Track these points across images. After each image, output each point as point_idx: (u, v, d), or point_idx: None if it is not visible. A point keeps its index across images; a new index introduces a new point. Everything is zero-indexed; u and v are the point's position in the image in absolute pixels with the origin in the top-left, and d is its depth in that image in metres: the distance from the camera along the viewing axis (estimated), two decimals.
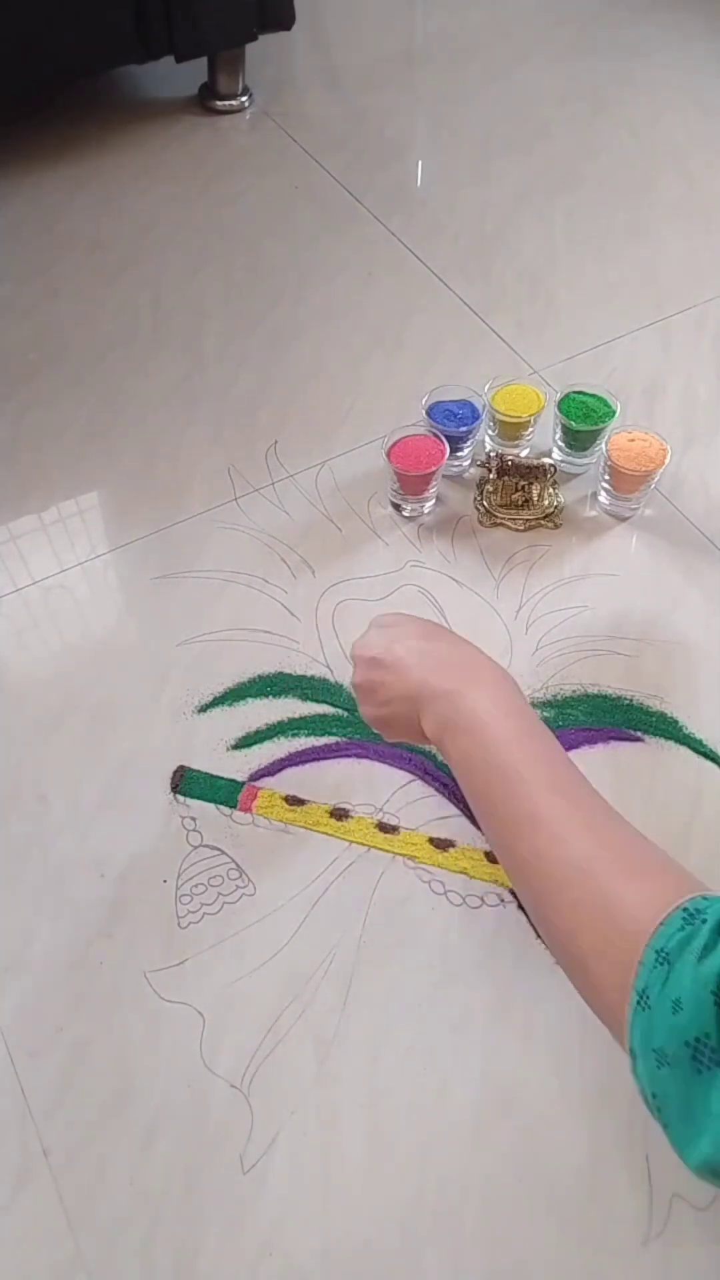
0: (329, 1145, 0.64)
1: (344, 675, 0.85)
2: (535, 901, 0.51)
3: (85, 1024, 0.69)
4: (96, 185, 1.33)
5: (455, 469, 0.99)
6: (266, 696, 0.84)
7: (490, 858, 0.75)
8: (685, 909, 0.44)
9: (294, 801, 0.78)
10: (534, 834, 0.51)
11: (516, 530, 0.95)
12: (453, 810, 0.78)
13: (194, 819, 0.78)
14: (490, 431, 1.00)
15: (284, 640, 0.88)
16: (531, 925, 0.72)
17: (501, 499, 0.96)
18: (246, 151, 1.40)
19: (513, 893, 0.74)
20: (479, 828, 0.77)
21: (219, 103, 1.46)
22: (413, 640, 0.64)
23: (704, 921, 0.43)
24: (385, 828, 0.77)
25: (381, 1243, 0.61)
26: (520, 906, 0.73)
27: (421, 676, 0.61)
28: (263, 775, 0.80)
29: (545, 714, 0.82)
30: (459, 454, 0.98)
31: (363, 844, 0.76)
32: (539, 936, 0.71)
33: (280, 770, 0.80)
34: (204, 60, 1.41)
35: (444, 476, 0.99)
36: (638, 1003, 0.43)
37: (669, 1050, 0.41)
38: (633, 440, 0.94)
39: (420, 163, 1.40)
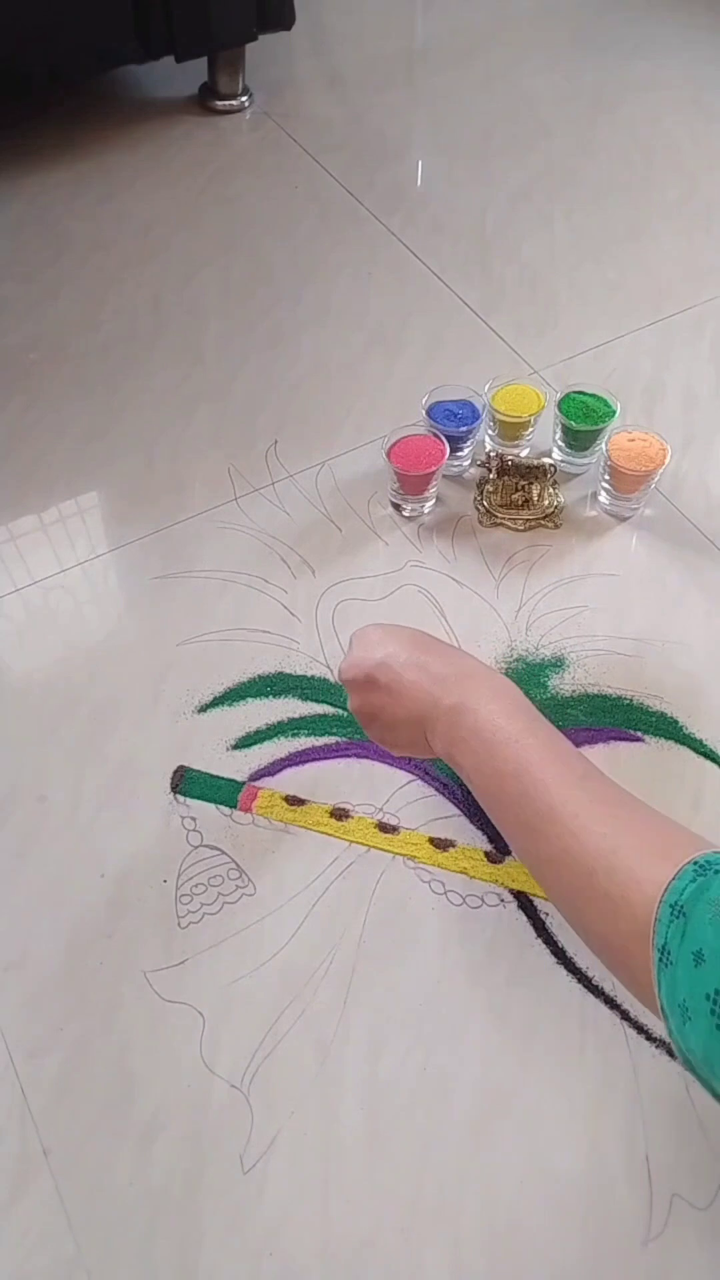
0: (329, 1145, 0.64)
1: None
2: (563, 898, 0.51)
3: (85, 1024, 0.69)
4: (97, 185, 1.33)
5: (455, 469, 0.99)
6: (266, 696, 0.84)
7: (490, 858, 0.75)
8: (696, 862, 0.43)
9: (294, 801, 0.78)
10: (553, 833, 0.50)
11: (516, 530, 0.95)
12: (453, 810, 0.78)
13: (194, 819, 0.78)
14: (490, 431, 1.00)
15: (284, 640, 0.88)
16: (534, 926, 0.72)
17: (501, 499, 0.96)
18: (246, 151, 1.40)
19: (513, 893, 0.74)
20: (480, 829, 0.77)
21: (219, 103, 1.46)
22: (404, 655, 0.62)
23: (717, 872, 0.42)
24: (385, 828, 0.77)
25: (381, 1243, 0.61)
26: (520, 906, 0.73)
27: (423, 696, 0.60)
28: (263, 775, 0.80)
29: (546, 713, 0.82)
30: (459, 454, 0.98)
31: (363, 844, 0.76)
32: (539, 937, 0.71)
33: (280, 770, 0.80)
34: (204, 60, 1.41)
35: (444, 476, 0.99)
36: (659, 960, 0.42)
37: (691, 1004, 0.40)
38: (633, 440, 0.94)
39: (420, 163, 1.40)
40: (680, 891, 0.43)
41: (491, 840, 0.76)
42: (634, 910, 0.44)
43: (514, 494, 0.96)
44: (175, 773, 0.80)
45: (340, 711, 0.83)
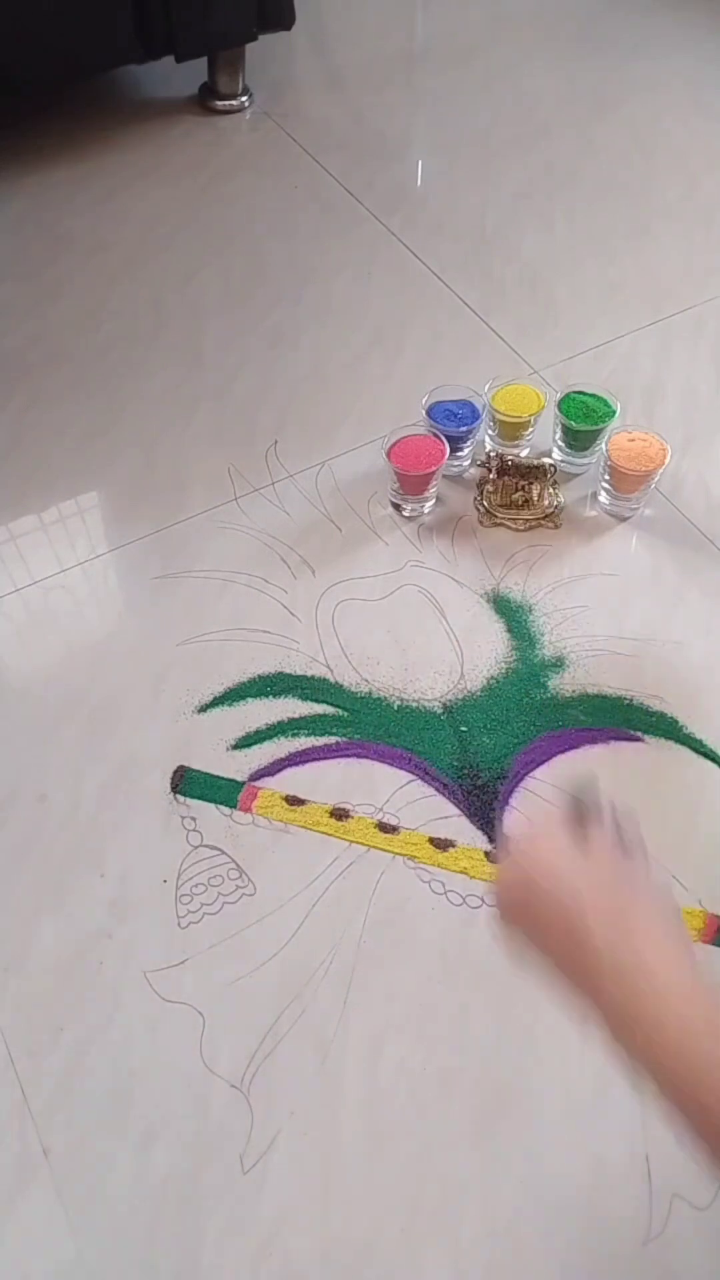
0: (329, 1145, 0.64)
1: (344, 675, 0.85)
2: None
3: (85, 1024, 0.69)
4: (97, 185, 1.33)
5: (455, 469, 0.99)
6: (266, 696, 0.84)
7: (490, 858, 0.75)
8: None
9: (294, 801, 0.78)
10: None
11: (516, 530, 0.95)
12: (453, 810, 0.78)
13: (194, 819, 0.78)
14: (490, 431, 1.00)
15: (284, 640, 0.88)
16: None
17: (501, 499, 0.96)
18: (246, 151, 1.40)
19: None
20: (480, 829, 0.77)
21: (219, 103, 1.46)
22: (604, 911, 0.49)
23: None
24: (385, 828, 0.77)
25: (381, 1243, 0.61)
26: None
27: (598, 950, 0.49)
28: (263, 775, 0.80)
29: (546, 714, 0.82)
30: (459, 454, 0.98)
31: (363, 844, 0.76)
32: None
33: (280, 770, 0.80)
34: (204, 60, 1.41)
35: (444, 476, 0.99)
36: None
37: None
38: (633, 440, 0.94)
39: (420, 163, 1.40)
40: None
41: (491, 840, 0.76)
42: None
43: (514, 494, 0.96)
44: (175, 773, 0.80)
45: (340, 711, 0.83)
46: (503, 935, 0.53)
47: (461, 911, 0.73)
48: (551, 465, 0.98)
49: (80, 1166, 0.64)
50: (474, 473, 1.00)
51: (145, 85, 1.50)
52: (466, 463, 1.00)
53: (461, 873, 0.75)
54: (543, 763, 0.80)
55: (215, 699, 0.84)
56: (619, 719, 0.82)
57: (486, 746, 0.81)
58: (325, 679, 0.85)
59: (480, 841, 0.76)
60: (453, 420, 0.96)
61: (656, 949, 0.48)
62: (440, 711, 0.83)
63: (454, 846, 0.76)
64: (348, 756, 0.81)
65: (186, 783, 0.79)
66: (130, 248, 1.25)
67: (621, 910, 0.49)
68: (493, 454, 0.98)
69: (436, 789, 0.79)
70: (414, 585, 0.91)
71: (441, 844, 0.76)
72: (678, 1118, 0.45)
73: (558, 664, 0.86)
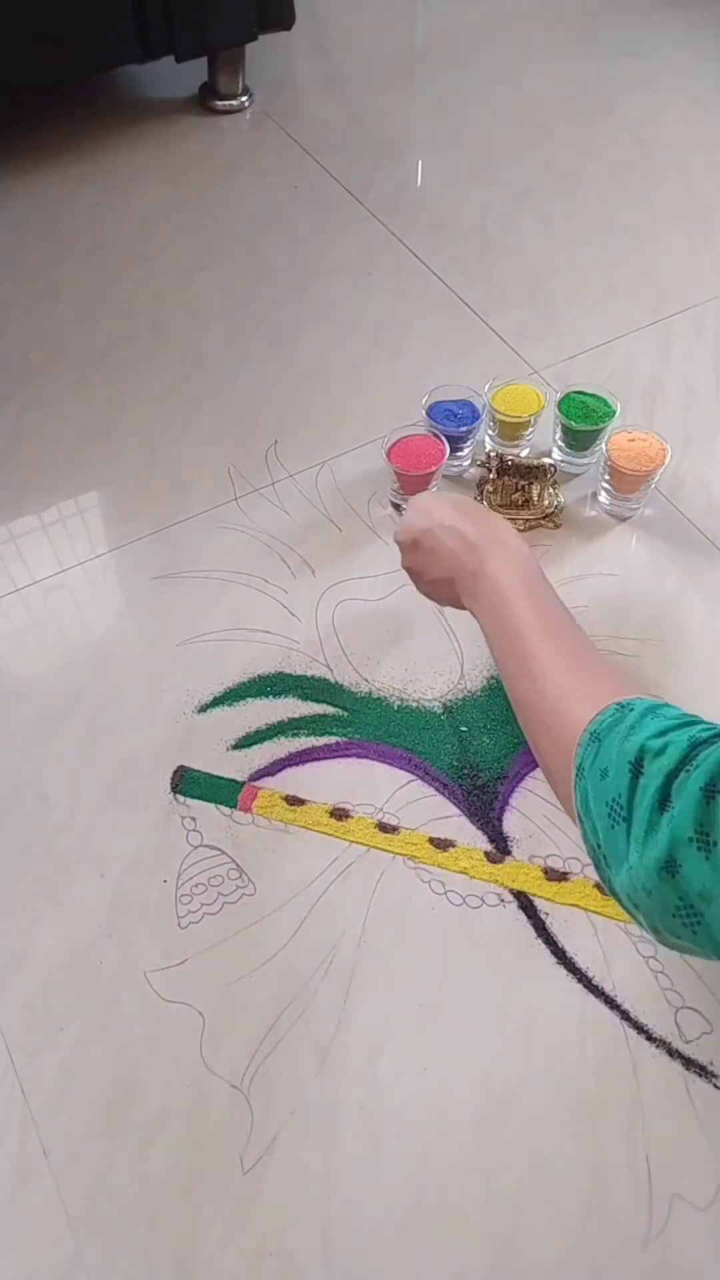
0: (329, 1145, 0.64)
1: (344, 675, 0.85)
2: (529, 733, 0.60)
3: (85, 1024, 0.69)
4: (97, 185, 1.33)
5: (455, 469, 0.99)
6: (266, 696, 0.84)
7: (490, 858, 0.75)
8: (620, 704, 0.53)
9: (294, 801, 0.78)
10: (527, 681, 0.60)
11: (516, 530, 0.95)
12: (453, 810, 0.78)
13: (194, 819, 0.78)
14: (490, 431, 1.00)
15: (284, 640, 0.88)
16: (534, 926, 0.72)
17: (501, 499, 0.96)
18: (246, 151, 1.40)
19: (513, 893, 0.74)
20: (480, 829, 0.77)
21: (219, 103, 1.46)
22: (446, 521, 0.71)
23: (632, 710, 0.52)
24: (385, 828, 0.77)
25: (381, 1243, 0.61)
26: (520, 906, 0.73)
27: (454, 560, 0.69)
28: (263, 775, 0.80)
29: None
30: (459, 454, 0.98)
31: (363, 844, 0.76)
32: (539, 937, 0.71)
33: (280, 770, 0.80)
34: (204, 60, 1.41)
35: (444, 476, 0.99)
36: (577, 776, 0.52)
37: (594, 809, 0.50)
38: (633, 440, 0.94)
39: (420, 163, 1.40)
40: (599, 723, 0.52)
41: (491, 840, 0.76)
42: (565, 740, 0.55)
43: (514, 494, 0.96)
44: (175, 773, 0.80)
45: (340, 711, 0.83)
46: (404, 568, 0.76)
47: (461, 911, 0.73)
48: (551, 465, 0.98)
49: (80, 1166, 0.64)
50: (474, 473, 1.00)
51: (145, 85, 1.50)
52: (466, 463, 1.00)
53: (461, 873, 0.75)
54: None
55: (215, 699, 0.84)
56: None
57: (486, 746, 0.81)
58: (325, 679, 0.85)
59: (480, 841, 0.76)
60: (453, 420, 0.96)
61: (516, 571, 0.66)
62: (440, 711, 0.83)
63: (454, 846, 0.76)
64: (348, 756, 0.81)
65: (186, 783, 0.79)
66: (130, 248, 1.25)
67: (491, 539, 0.68)
68: (493, 454, 0.98)
69: (436, 789, 0.79)
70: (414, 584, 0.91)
71: (441, 844, 0.76)
72: (533, 743, 0.60)
73: None
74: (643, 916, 0.48)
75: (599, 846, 0.50)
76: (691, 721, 0.50)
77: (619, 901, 0.50)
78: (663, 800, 0.45)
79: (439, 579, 0.72)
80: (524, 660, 0.61)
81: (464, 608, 0.71)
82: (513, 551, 0.68)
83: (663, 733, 0.48)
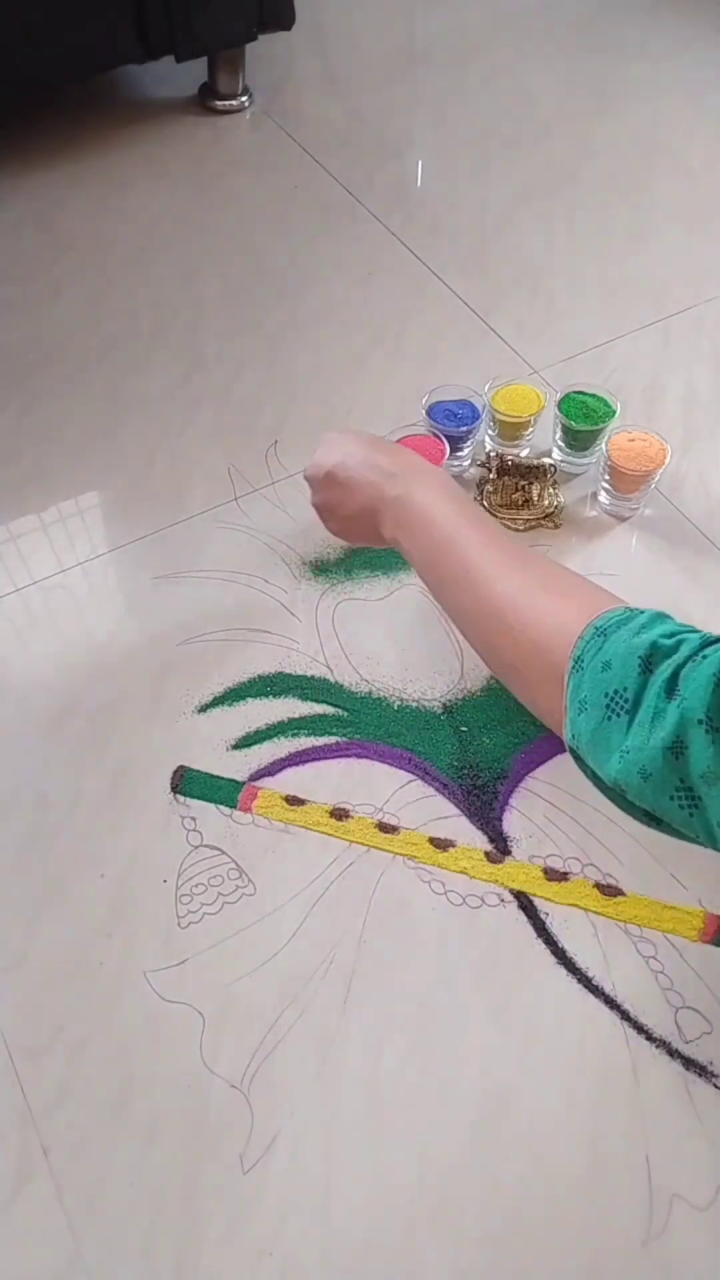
0: (329, 1145, 0.64)
1: (344, 675, 0.85)
2: (482, 640, 0.61)
3: (85, 1024, 0.69)
4: (96, 185, 1.33)
5: (455, 469, 0.99)
6: (266, 696, 0.84)
7: (490, 858, 0.75)
8: (627, 606, 0.54)
9: (294, 801, 0.78)
10: (474, 582, 0.61)
11: (516, 530, 0.96)
12: (453, 810, 0.78)
13: (194, 819, 0.78)
14: (490, 431, 1.00)
15: (284, 640, 0.88)
16: (534, 926, 0.72)
17: (501, 499, 0.96)
18: (246, 151, 1.40)
19: (513, 893, 0.74)
20: (480, 829, 0.77)
21: (219, 103, 1.46)
22: (359, 454, 0.70)
23: (643, 612, 0.53)
24: (385, 828, 0.77)
25: (381, 1243, 0.61)
26: (520, 906, 0.73)
27: (372, 490, 0.69)
28: (263, 775, 0.80)
29: None
30: (459, 454, 0.98)
31: (363, 844, 0.76)
32: (539, 937, 0.71)
33: (280, 770, 0.80)
34: (204, 60, 1.41)
35: None
36: (573, 668, 0.52)
37: (590, 699, 0.50)
38: (633, 440, 0.94)
39: (420, 163, 1.40)
40: (608, 620, 0.53)
41: (491, 840, 0.76)
42: (552, 638, 0.55)
43: (514, 494, 0.96)
44: (175, 773, 0.80)
45: (340, 711, 0.83)
46: (314, 505, 0.75)
47: (461, 911, 0.73)
48: (551, 465, 0.98)
49: (80, 1166, 0.64)
50: (474, 473, 1.00)
51: (145, 85, 1.50)
52: (466, 463, 1.00)
53: (461, 873, 0.75)
54: (543, 763, 0.80)
55: (215, 699, 0.84)
56: None
57: (486, 746, 0.81)
58: (325, 679, 0.85)
59: (480, 841, 0.76)
60: (453, 420, 0.96)
61: (445, 491, 0.67)
62: (440, 711, 0.83)
63: (454, 846, 0.76)
64: (348, 756, 0.81)
65: (186, 783, 0.79)
66: (130, 248, 1.25)
67: (410, 466, 0.69)
68: (493, 454, 0.98)
69: (436, 789, 0.79)
70: (414, 585, 0.91)
71: (441, 844, 0.76)
72: (497, 649, 0.60)
73: None
74: (634, 797, 0.48)
75: (585, 737, 0.51)
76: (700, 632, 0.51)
77: (602, 787, 0.51)
78: (670, 689, 0.46)
79: (354, 513, 0.71)
80: (479, 568, 0.61)
81: (383, 543, 0.71)
82: (435, 475, 0.68)
83: (674, 634, 0.50)
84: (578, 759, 0.53)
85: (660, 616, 0.52)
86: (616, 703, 0.49)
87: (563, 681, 0.53)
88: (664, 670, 0.47)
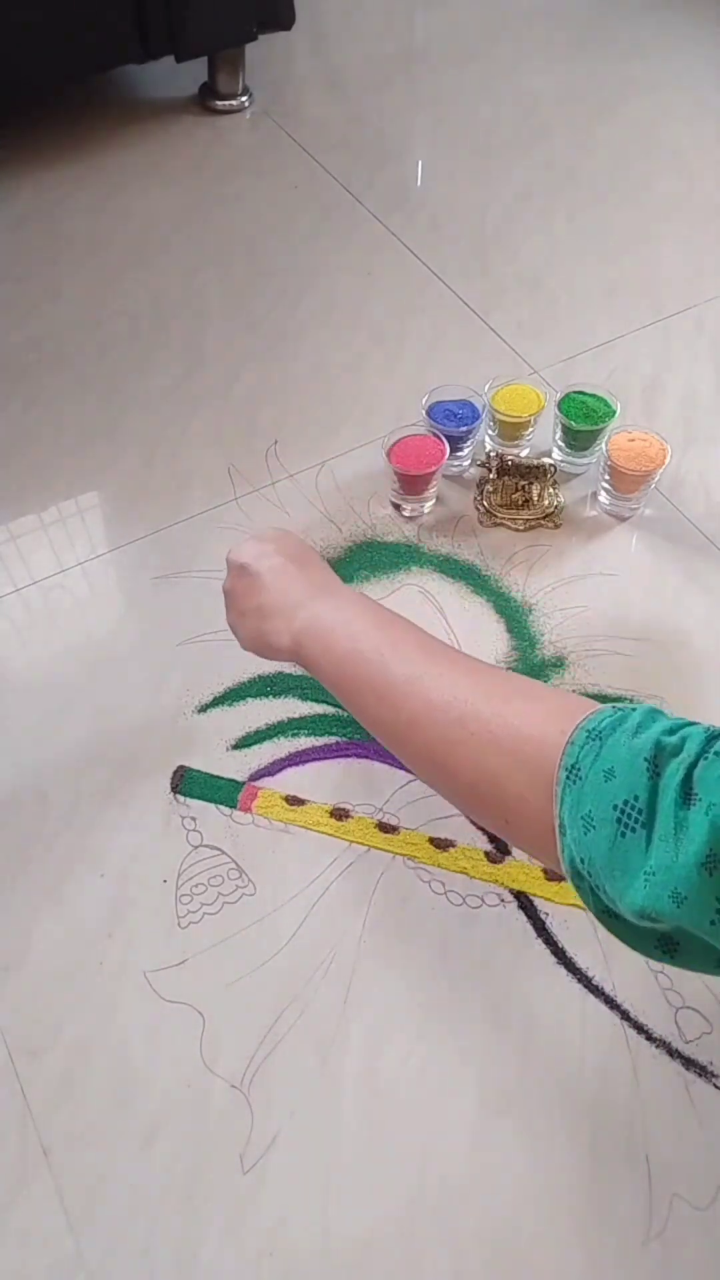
0: (329, 1145, 0.64)
1: None
2: (431, 755, 0.53)
3: (85, 1024, 0.69)
4: (96, 185, 1.33)
5: (455, 469, 0.99)
6: (266, 696, 0.84)
7: (490, 858, 0.75)
8: (615, 706, 0.48)
9: (294, 801, 0.78)
10: (422, 689, 0.53)
11: (516, 530, 0.96)
12: (453, 810, 0.78)
13: (194, 819, 0.78)
14: (490, 431, 1.00)
15: None
16: (534, 926, 0.72)
17: (501, 499, 0.96)
18: (246, 151, 1.40)
19: (513, 893, 0.74)
20: (480, 829, 0.77)
21: (219, 103, 1.46)
22: (280, 557, 0.66)
23: (634, 710, 0.47)
24: (385, 828, 0.77)
25: (381, 1243, 0.61)
26: (520, 906, 0.73)
27: (294, 593, 0.64)
28: (263, 775, 0.80)
29: None
30: (459, 454, 0.98)
31: (363, 844, 0.76)
32: (539, 937, 0.71)
33: (280, 770, 0.80)
34: (204, 60, 1.41)
35: (444, 476, 0.99)
36: (567, 779, 0.46)
37: (596, 815, 0.44)
38: (633, 440, 0.94)
39: (420, 163, 1.40)
40: (599, 721, 0.46)
41: (491, 840, 0.76)
42: (526, 751, 0.48)
43: (514, 494, 0.96)
44: (175, 773, 0.80)
45: (341, 711, 0.83)
46: (224, 589, 0.70)
47: (461, 911, 0.73)
48: (551, 465, 0.98)
49: (80, 1166, 0.64)
50: (474, 473, 1.00)
51: (145, 85, 1.50)
52: (466, 463, 1.00)
53: (461, 873, 0.75)
54: None
55: (215, 699, 0.84)
56: None
57: None
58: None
59: (480, 841, 0.76)
60: (453, 420, 0.96)
61: (374, 608, 0.62)
62: None
63: (454, 846, 0.76)
64: (348, 756, 0.81)
65: (186, 783, 0.79)
66: (130, 248, 1.25)
67: (336, 585, 0.65)
68: (493, 454, 0.98)
69: None
70: (414, 585, 0.91)
71: (441, 844, 0.76)
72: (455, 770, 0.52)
73: (558, 664, 0.86)
74: (667, 924, 0.42)
75: (599, 860, 0.44)
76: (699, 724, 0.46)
77: (604, 914, 0.45)
78: (686, 793, 0.41)
79: (253, 608, 0.66)
80: (427, 672, 0.54)
81: (275, 654, 0.65)
82: (360, 596, 0.64)
83: (674, 730, 0.44)
84: (577, 881, 0.46)
85: (654, 712, 0.46)
86: (628, 815, 0.42)
87: (551, 795, 0.46)
88: (674, 772, 0.42)
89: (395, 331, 1.14)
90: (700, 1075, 0.66)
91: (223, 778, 0.80)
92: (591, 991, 0.69)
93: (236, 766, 0.80)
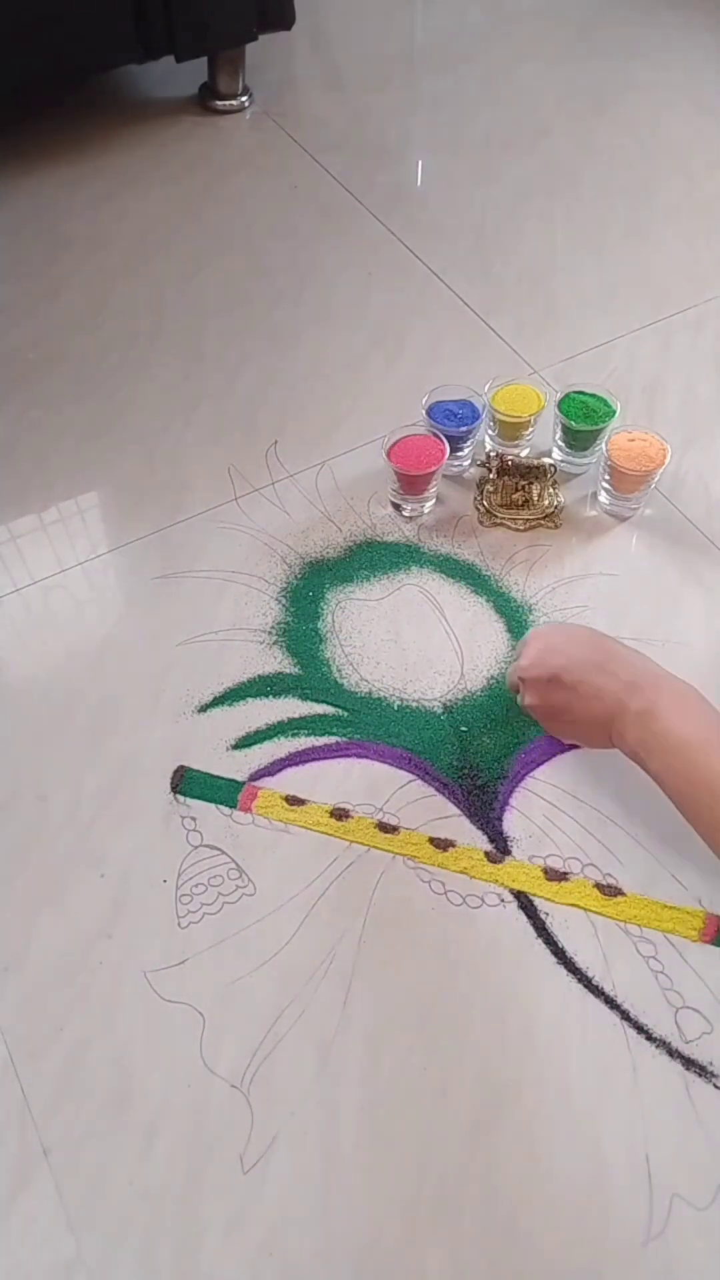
0: (329, 1145, 0.64)
1: (344, 675, 0.85)
2: None
3: (85, 1024, 0.69)
4: (96, 185, 1.33)
5: (455, 469, 0.99)
6: (266, 696, 0.84)
7: (490, 858, 0.75)
8: None
9: (294, 801, 0.78)
10: None
11: (516, 530, 0.96)
12: (453, 810, 0.78)
13: (194, 819, 0.78)
14: (490, 431, 1.00)
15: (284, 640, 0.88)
16: (534, 926, 0.72)
17: (501, 499, 0.96)
18: (246, 151, 1.40)
19: (513, 893, 0.74)
20: (480, 829, 0.77)
21: (219, 103, 1.46)
22: (590, 658, 0.67)
23: None
24: (385, 828, 0.77)
25: (381, 1243, 0.61)
26: (520, 906, 0.73)
27: (610, 700, 0.65)
28: (263, 775, 0.80)
29: None
30: (459, 454, 0.98)
31: (363, 844, 0.76)
32: (539, 937, 0.71)
33: (280, 770, 0.80)
34: (204, 60, 1.41)
35: (444, 476, 0.99)
36: None
37: None
38: (633, 440, 0.94)
39: (420, 163, 1.40)
40: None
41: (491, 840, 0.76)
42: None
43: (514, 494, 0.96)
44: (175, 773, 0.80)
45: (340, 711, 0.83)
46: (529, 707, 0.71)
47: (461, 911, 0.73)
48: (551, 465, 0.98)
49: (80, 1166, 0.64)
50: (474, 473, 1.00)
51: (145, 85, 1.50)
52: (466, 463, 1.00)
53: (461, 873, 0.75)
54: (543, 763, 0.80)
55: (215, 699, 0.84)
56: None
57: (486, 746, 0.81)
58: (325, 679, 0.85)
59: (480, 841, 0.76)
60: (453, 420, 0.96)
61: (696, 707, 0.63)
62: (440, 711, 0.83)
63: (454, 846, 0.76)
64: (348, 756, 0.81)
65: (186, 783, 0.79)
66: (130, 248, 1.25)
67: (650, 674, 0.65)
68: (493, 454, 0.98)
69: (436, 789, 0.79)
70: (414, 585, 0.91)
71: (441, 844, 0.76)
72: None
73: None
74: None
75: None
76: None
77: None
78: None
79: (584, 718, 0.67)
80: None
81: (609, 746, 0.67)
82: (681, 686, 0.64)
83: None
84: None
85: None
86: None
87: None
88: None
89: (395, 331, 1.15)
90: (700, 1075, 0.66)
91: (223, 778, 0.79)
92: (591, 991, 0.69)
93: (236, 766, 0.80)
